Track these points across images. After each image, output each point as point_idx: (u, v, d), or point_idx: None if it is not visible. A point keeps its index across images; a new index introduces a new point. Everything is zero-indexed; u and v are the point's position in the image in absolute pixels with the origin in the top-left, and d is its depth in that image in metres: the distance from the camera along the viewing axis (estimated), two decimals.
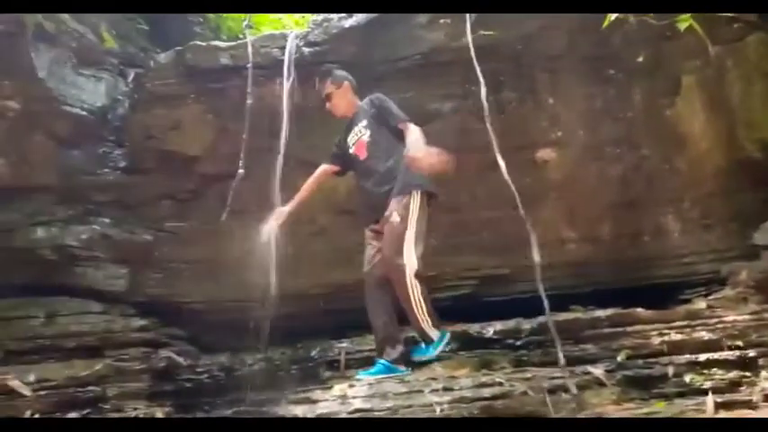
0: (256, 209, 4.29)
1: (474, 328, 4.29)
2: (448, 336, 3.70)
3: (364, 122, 3.87)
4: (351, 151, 3.94)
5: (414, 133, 3.61)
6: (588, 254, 4.64)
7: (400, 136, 3.71)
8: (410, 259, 3.52)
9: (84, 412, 3.76)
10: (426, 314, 3.58)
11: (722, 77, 4.41)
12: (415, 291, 3.52)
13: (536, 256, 3.53)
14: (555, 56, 4.46)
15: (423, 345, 3.67)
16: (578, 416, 2.92)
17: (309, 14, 5.07)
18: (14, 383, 3.80)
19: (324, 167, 4.07)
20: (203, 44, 4.63)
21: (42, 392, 3.82)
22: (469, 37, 4.03)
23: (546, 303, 3.47)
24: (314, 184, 4.05)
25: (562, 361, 3.29)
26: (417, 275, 3.53)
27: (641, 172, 4.56)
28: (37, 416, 3.70)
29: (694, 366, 3.57)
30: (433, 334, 3.62)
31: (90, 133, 4.63)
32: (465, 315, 4.42)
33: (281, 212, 3.90)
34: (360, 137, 3.88)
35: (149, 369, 4.14)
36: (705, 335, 3.70)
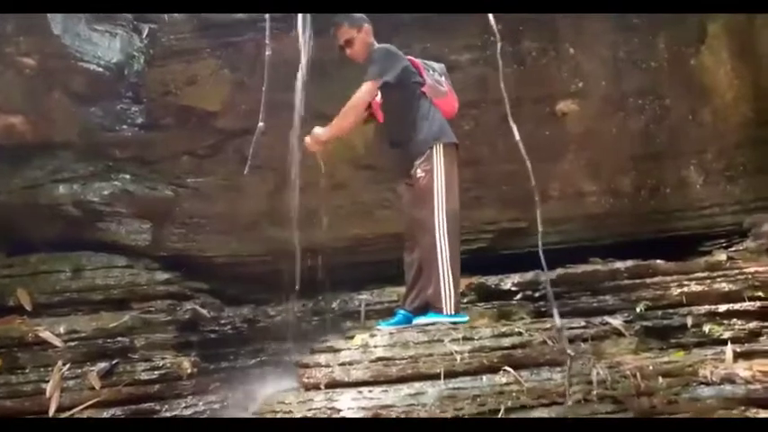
0: (275, 163, 4.32)
1: (492, 280, 4.33)
2: (467, 319, 3.47)
3: None
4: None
5: (342, 111, 3.52)
6: (608, 206, 4.63)
7: (410, 91, 3.56)
8: (440, 218, 3.38)
9: (114, 362, 3.87)
10: (451, 283, 3.36)
11: (750, 24, 4.28)
12: (443, 253, 3.36)
13: (539, 226, 3.34)
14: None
15: (429, 310, 3.44)
16: (574, 416, 2.95)
17: None
18: (46, 335, 3.91)
19: None
20: None
21: (72, 343, 3.93)
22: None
23: (544, 264, 3.31)
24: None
25: (557, 320, 3.17)
26: (450, 233, 3.39)
27: (664, 123, 4.49)
28: (68, 365, 3.83)
29: (713, 317, 3.60)
30: (449, 308, 3.36)
31: (107, 89, 4.61)
32: (482, 268, 4.45)
33: (320, 135, 3.67)
34: (374, 97, 3.72)
35: (175, 321, 4.23)
36: (725, 286, 3.70)
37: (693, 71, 4.41)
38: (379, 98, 3.70)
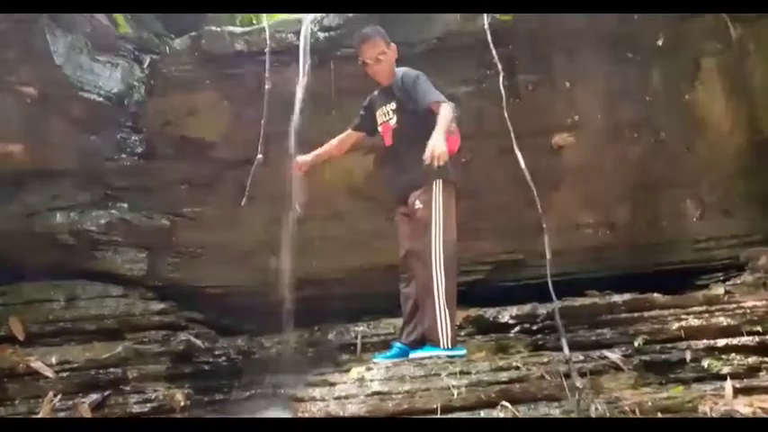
0: (272, 194, 4.33)
1: (489, 312, 4.31)
2: (464, 352, 3.46)
3: (393, 105, 3.65)
4: (378, 128, 3.76)
5: (441, 119, 3.36)
6: (605, 238, 4.63)
7: (430, 120, 3.49)
8: (437, 250, 3.39)
9: (106, 393, 3.82)
10: (447, 317, 3.36)
11: (743, 59, 4.34)
12: (440, 286, 3.37)
13: (547, 253, 3.46)
14: (572, 38, 4.40)
15: (426, 344, 3.43)
16: (582, 416, 2.92)
17: None
18: (37, 365, 3.87)
19: (349, 132, 3.90)
20: (218, 30, 4.62)
21: (64, 374, 3.88)
22: (486, 23, 3.96)
23: (552, 293, 3.42)
24: (339, 143, 3.89)
25: (566, 350, 3.25)
26: (448, 266, 3.40)
27: (660, 156, 4.52)
28: (59, 396, 3.77)
29: (712, 352, 3.57)
30: (445, 342, 3.35)
31: (107, 119, 4.65)
32: (479, 300, 4.43)
33: (302, 161, 3.76)
34: (387, 120, 3.68)
35: (168, 352, 4.19)
36: (723, 320, 3.67)
37: (688, 104, 4.46)
38: (394, 122, 3.66)
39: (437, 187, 3.50)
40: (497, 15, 4.10)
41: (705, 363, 3.52)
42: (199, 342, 4.38)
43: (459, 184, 3.67)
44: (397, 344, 3.59)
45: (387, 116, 3.72)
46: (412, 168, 3.54)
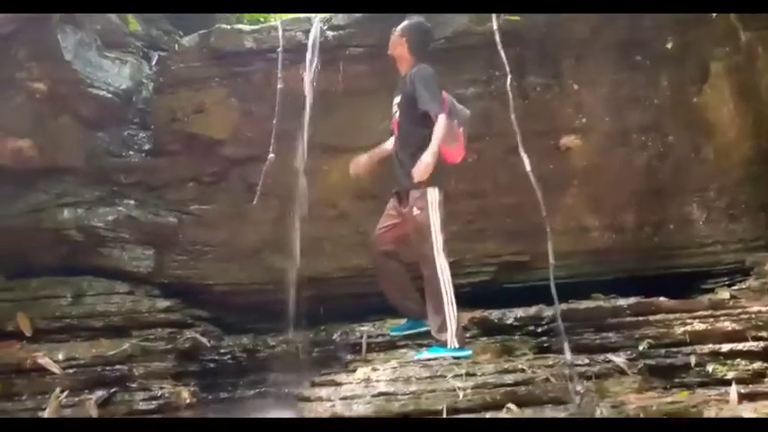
0: (280, 192, 4.34)
1: (494, 314, 4.30)
2: (470, 353, 3.54)
3: (398, 98, 3.74)
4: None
5: (433, 137, 3.45)
6: (611, 242, 4.62)
7: (427, 122, 3.54)
8: (440, 253, 3.51)
9: (112, 390, 3.83)
10: (455, 317, 3.49)
11: (752, 64, 4.34)
12: (447, 287, 3.49)
13: (551, 257, 3.52)
14: (581, 41, 4.41)
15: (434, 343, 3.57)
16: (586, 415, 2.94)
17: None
18: (44, 361, 3.88)
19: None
20: (228, 27, 4.63)
21: (71, 370, 3.89)
22: (495, 25, 3.97)
23: (555, 297, 3.46)
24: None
25: (568, 355, 3.28)
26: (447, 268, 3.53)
27: (667, 160, 4.52)
28: (66, 393, 3.79)
29: (717, 356, 3.57)
30: (453, 341, 3.46)
31: (115, 116, 4.66)
32: (484, 301, 4.43)
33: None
34: (394, 112, 3.77)
35: (174, 349, 4.20)
36: (728, 325, 3.68)
37: (696, 109, 4.46)
38: (398, 115, 3.73)
39: (432, 194, 3.57)
40: (507, 16, 4.09)
41: (710, 367, 3.53)
42: (204, 340, 4.38)
43: (448, 189, 3.75)
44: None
45: (394, 108, 3.79)
46: (408, 167, 3.57)
